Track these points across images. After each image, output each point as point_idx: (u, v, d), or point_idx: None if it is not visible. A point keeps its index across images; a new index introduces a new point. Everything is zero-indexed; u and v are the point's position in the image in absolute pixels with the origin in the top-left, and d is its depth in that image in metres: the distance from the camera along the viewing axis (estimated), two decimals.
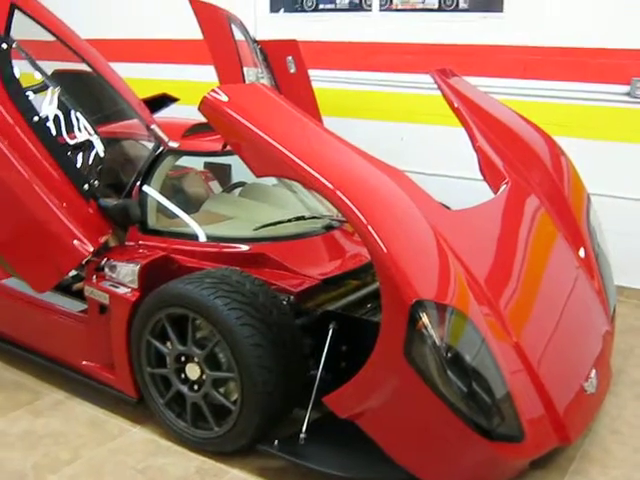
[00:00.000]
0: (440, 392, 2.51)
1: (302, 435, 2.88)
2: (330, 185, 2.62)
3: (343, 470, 2.83)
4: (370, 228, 2.52)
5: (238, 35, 4.70)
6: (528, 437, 2.67)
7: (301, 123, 3.05)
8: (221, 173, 4.82)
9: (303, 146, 2.85)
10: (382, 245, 2.49)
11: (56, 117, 3.55)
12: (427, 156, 5.09)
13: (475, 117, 3.90)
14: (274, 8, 5.78)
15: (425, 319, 2.47)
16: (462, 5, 5.05)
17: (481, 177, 3.76)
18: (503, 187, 3.65)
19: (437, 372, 2.51)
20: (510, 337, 2.87)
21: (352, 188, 2.68)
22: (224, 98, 2.82)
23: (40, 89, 3.63)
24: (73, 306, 3.68)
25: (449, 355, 2.53)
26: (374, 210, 2.63)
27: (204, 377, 3.04)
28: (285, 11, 5.75)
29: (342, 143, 3.03)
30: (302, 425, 2.89)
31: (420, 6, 5.19)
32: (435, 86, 4.04)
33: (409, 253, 2.60)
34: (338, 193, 2.60)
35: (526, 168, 3.83)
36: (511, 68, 4.90)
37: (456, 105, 3.92)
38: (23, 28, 3.58)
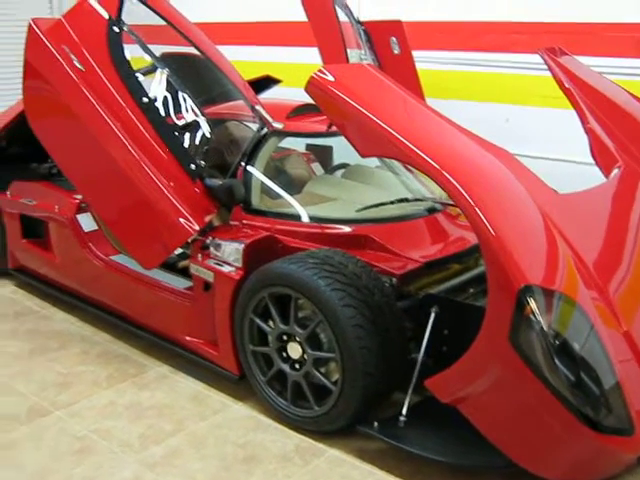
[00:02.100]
0: (546, 380, 2.44)
1: (402, 418, 2.88)
2: (437, 165, 2.59)
3: (442, 455, 2.81)
4: (478, 210, 2.47)
5: (342, 16, 4.68)
6: (638, 430, 2.57)
7: (407, 103, 3.01)
8: (323, 155, 4.82)
9: (409, 126, 2.82)
10: (490, 228, 2.44)
11: (165, 98, 3.64)
12: (534, 138, 4.93)
13: (586, 98, 3.76)
14: None
15: (533, 305, 2.41)
16: None
17: (592, 160, 3.62)
18: (615, 171, 3.50)
19: (544, 360, 2.44)
20: (620, 324, 2.77)
21: (459, 168, 2.64)
22: (330, 78, 2.82)
23: (149, 71, 3.73)
24: (178, 283, 3.78)
25: (557, 342, 2.46)
26: (482, 191, 2.58)
27: (305, 356, 3.07)
28: None
29: (448, 123, 2.98)
30: (402, 408, 2.89)
31: None
32: (543, 66, 3.91)
33: (517, 236, 2.53)
34: (445, 174, 2.56)
35: None
36: (625, 46, 4.68)
37: (566, 85, 3.78)
38: (134, 13, 3.69)
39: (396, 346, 2.96)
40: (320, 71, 2.83)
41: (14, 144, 4.87)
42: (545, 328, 2.43)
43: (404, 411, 2.88)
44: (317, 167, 4.72)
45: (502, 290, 2.46)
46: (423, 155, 2.62)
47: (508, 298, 2.42)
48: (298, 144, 4.73)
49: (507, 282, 2.42)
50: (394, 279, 3.15)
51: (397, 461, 2.94)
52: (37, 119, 3.79)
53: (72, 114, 3.57)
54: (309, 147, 4.91)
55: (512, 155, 3.19)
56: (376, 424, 2.91)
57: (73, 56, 3.54)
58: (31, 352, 3.94)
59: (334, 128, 3.06)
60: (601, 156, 3.61)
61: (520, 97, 5.13)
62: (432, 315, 2.96)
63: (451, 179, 2.55)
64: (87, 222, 4.25)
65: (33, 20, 3.63)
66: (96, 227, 4.26)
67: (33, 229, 4.58)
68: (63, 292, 4.45)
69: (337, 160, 4.74)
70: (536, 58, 3.96)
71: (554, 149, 4.85)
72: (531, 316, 2.41)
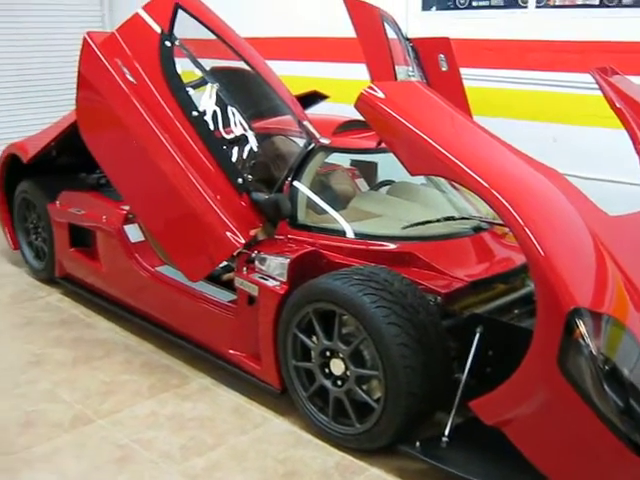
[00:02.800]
0: (595, 406, 2.39)
1: (444, 438, 2.85)
2: (486, 184, 2.57)
3: (484, 477, 2.76)
4: (527, 230, 2.44)
5: (390, 33, 4.67)
6: None
7: (457, 121, 3.00)
8: (368, 171, 4.82)
9: (459, 145, 2.81)
10: (539, 248, 2.41)
11: (214, 112, 3.68)
12: (581, 158, 4.85)
13: (638, 117, 3.69)
14: (426, 6, 5.71)
15: (582, 328, 2.36)
16: (626, 1, 4.78)
17: None
18: None
19: (593, 385, 2.39)
20: None
21: (508, 187, 2.61)
22: (380, 95, 2.82)
23: (199, 85, 3.77)
24: (222, 296, 3.80)
25: (606, 368, 2.41)
26: (531, 211, 2.55)
27: (348, 373, 3.05)
28: (437, 9, 5.68)
29: (497, 141, 2.96)
30: (445, 428, 2.86)
31: (580, 1, 4.97)
32: (593, 85, 3.85)
33: (567, 257, 2.50)
34: (494, 192, 2.54)
35: None
36: None
37: (618, 105, 3.71)
38: (186, 27, 3.73)
39: (440, 366, 2.94)
40: (370, 87, 2.84)
41: (64, 154, 4.96)
42: (594, 353, 2.38)
43: (447, 432, 2.85)
44: (362, 183, 4.72)
45: (551, 312, 2.42)
46: (472, 173, 2.60)
47: (557, 321, 2.39)
48: (344, 160, 4.74)
49: (556, 304, 2.38)
50: (439, 298, 3.12)
51: None
52: (89, 130, 3.86)
53: (123, 126, 3.62)
54: (354, 163, 4.91)
55: (562, 175, 3.15)
56: (418, 444, 2.89)
57: (125, 69, 3.60)
58: (75, 360, 4.00)
59: (383, 145, 3.05)
60: None
61: (568, 116, 5.08)
62: (477, 335, 2.94)
63: (500, 198, 2.53)
64: (134, 233, 4.31)
65: (88, 34, 3.70)
66: (143, 238, 4.31)
67: (81, 238, 4.66)
68: (108, 301, 4.50)
69: (382, 176, 4.73)
70: (585, 77, 3.91)
71: (604, 170, 4.78)
72: (580, 340, 2.37)
